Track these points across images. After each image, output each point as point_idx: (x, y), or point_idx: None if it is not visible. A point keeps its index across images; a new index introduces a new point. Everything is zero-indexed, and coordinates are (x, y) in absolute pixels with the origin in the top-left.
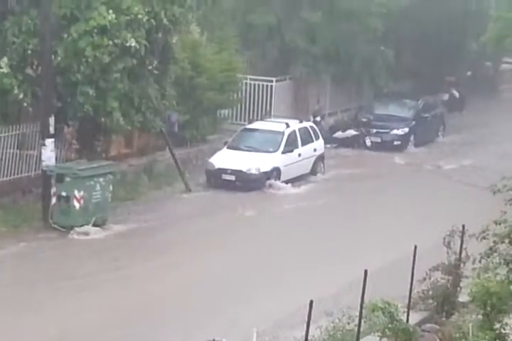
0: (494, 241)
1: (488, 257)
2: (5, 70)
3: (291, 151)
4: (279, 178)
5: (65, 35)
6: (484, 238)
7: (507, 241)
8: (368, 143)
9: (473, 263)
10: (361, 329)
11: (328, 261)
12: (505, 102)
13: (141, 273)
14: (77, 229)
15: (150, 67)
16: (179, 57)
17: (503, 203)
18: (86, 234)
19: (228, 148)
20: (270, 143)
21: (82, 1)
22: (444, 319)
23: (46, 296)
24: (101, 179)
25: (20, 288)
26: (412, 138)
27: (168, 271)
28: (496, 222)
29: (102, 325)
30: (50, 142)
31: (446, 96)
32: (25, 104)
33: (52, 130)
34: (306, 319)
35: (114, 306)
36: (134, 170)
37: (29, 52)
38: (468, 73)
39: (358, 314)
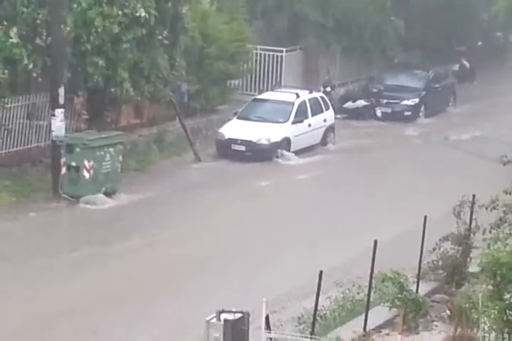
0: (504, 212)
1: (499, 227)
2: (14, 40)
3: (301, 122)
4: (289, 149)
5: (75, 5)
6: (494, 208)
7: None
8: (379, 113)
9: (484, 233)
10: (371, 300)
11: (338, 231)
12: None
13: (150, 243)
14: (86, 198)
15: (160, 37)
16: (189, 27)
17: None
18: (96, 203)
19: (238, 118)
20: (280, 114)
21: None
22: (453, 289)
23: (59, 265)
24: (111, 149)
25: (32, 257)
26: (422, 108)
27: (178, 241)
28: (505, 192)
29: (116, 294)
30: (59, 112)
31: (456, 67)
32: (34, 75)
33: (61, 100)
34: (316, 289)
35: (125, 275)
36: (143, 140)
37: (38, 22)
38: (479, 43)
39: (367, 284)
